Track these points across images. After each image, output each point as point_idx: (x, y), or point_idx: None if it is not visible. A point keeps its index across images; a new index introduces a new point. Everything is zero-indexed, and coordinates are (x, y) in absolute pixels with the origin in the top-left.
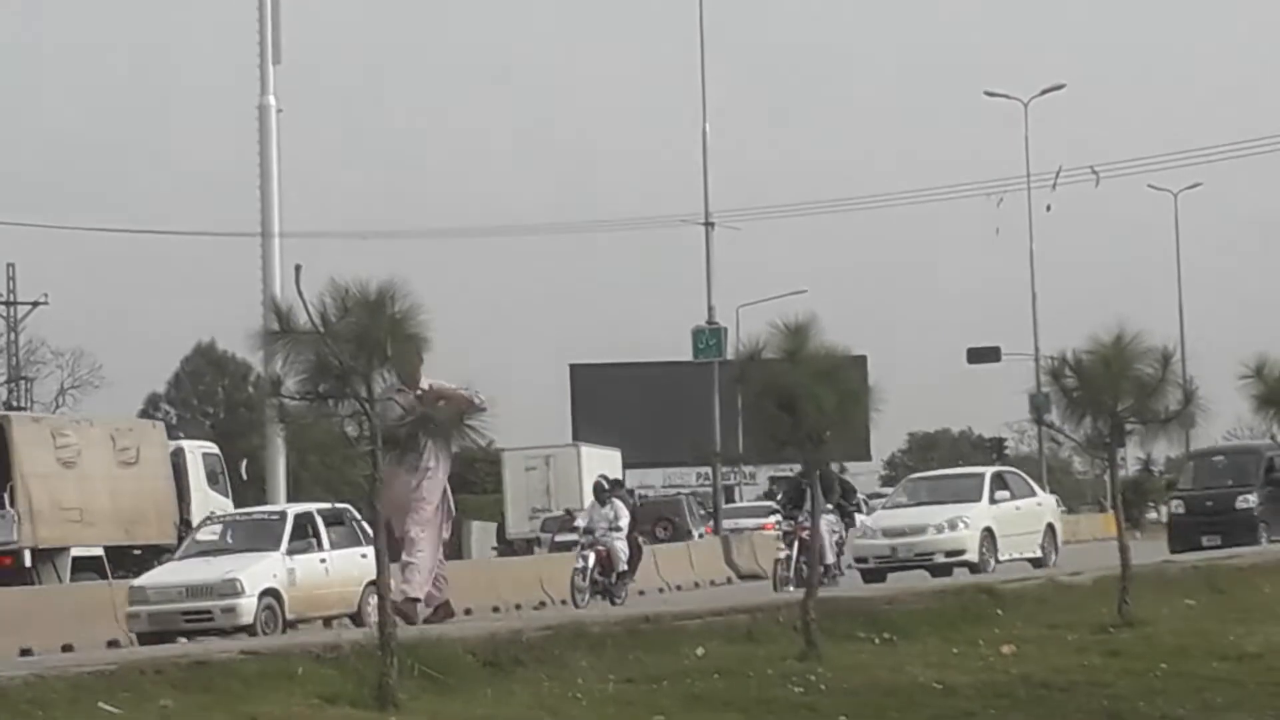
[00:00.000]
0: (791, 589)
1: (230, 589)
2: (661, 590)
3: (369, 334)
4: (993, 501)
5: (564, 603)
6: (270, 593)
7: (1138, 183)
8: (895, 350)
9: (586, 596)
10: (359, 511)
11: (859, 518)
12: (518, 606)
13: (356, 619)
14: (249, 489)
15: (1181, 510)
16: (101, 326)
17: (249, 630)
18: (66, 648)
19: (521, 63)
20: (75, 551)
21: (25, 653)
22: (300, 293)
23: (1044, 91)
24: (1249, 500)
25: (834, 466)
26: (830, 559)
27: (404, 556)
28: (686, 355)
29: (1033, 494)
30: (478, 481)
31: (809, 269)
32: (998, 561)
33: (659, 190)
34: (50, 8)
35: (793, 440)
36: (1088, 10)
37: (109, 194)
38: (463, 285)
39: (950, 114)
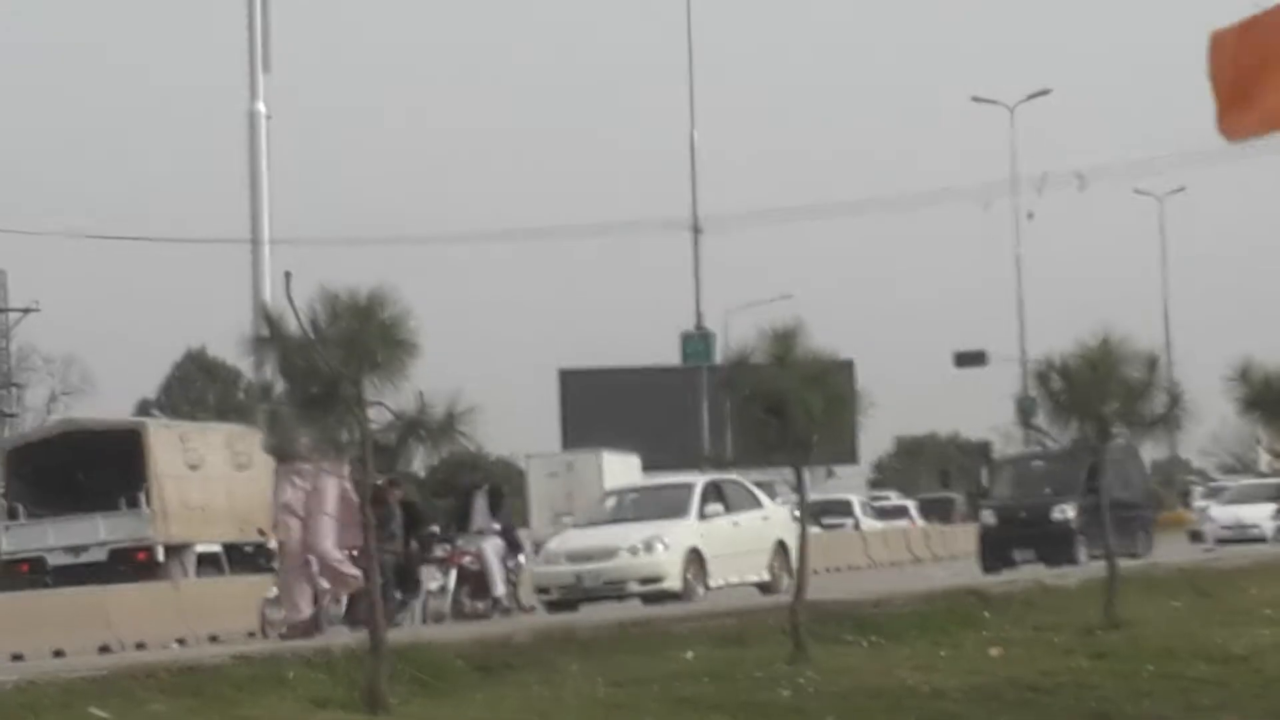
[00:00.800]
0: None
1: (650, 548)
2: None
3: (359, 340)
4: (702, 517)
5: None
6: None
7: (1124, 187)
8: (882, 354)
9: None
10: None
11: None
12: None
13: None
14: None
15: (993, 522)
16: (92, 333)
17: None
18: (58, 653)
19: (511, 67)
20: (199, 548)
21: (16, 658)
22: (290, 299)
23: (1030, 96)
24: (1066, 511)
25: (821, 470)
26: (500, 590)
27: (324, 581)
28: (675, 360)
29: (757, 506)
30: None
31: (797, 274)
32: (707, 589)
33: (647, 195)
34: (38, 14)
35: (781, 445)
36: (1074, 15)
37: (99, 200)
38: (452, 290)
39: (937, 119)
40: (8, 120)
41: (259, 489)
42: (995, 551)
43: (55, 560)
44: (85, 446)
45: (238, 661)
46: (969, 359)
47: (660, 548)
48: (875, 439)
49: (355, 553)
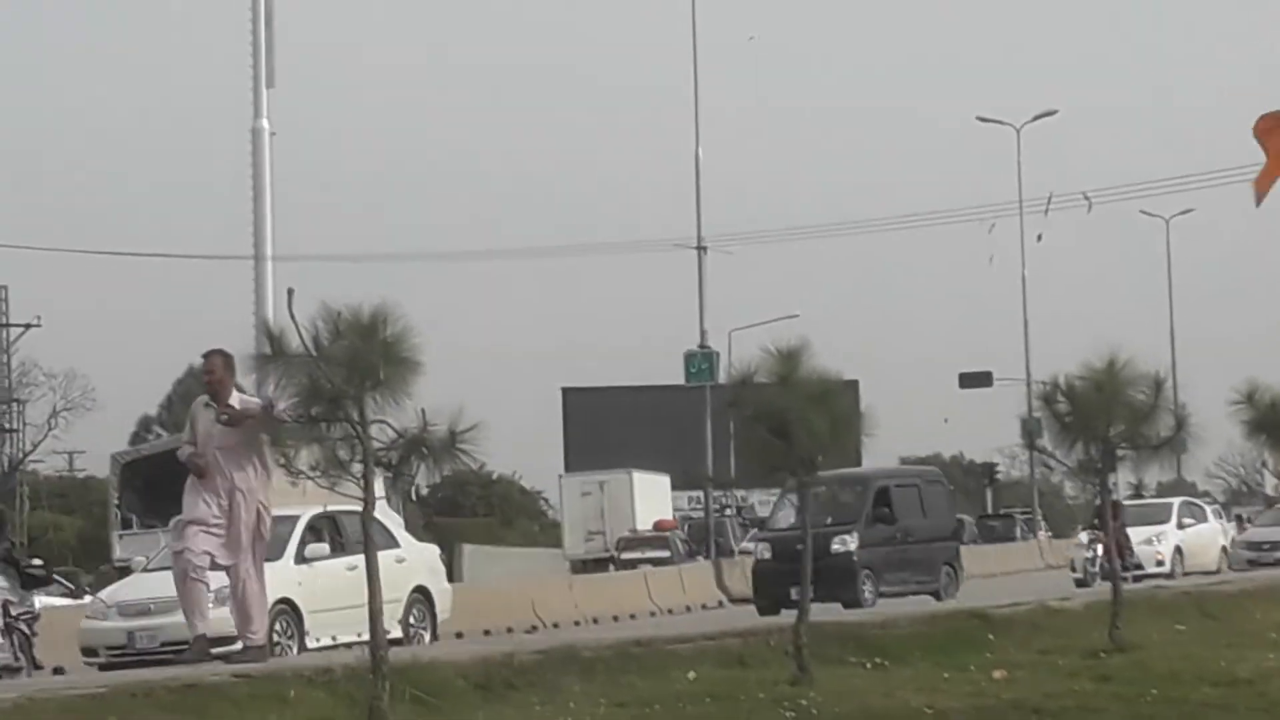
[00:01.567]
0: None
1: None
2: (653, 614)
3: (361, 357)
4: (302, 560)
5: (555, 626)
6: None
7: (1130, 209)
8: (887, 374)
9: None
10: None
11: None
12: (509, 630)
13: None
14: None
15: (767, 555)
16: (94, 349)
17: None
18: (57, 670)
19: (512, 85)
20: None
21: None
22: (293, 316)
23: (1036, 117)
24: (847, 542)
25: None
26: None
27: (231, 595)
28: (679, 379)
29: (393, 544)
30: (468, 505)
31: (801, 293)
32: (304, 648)
33: (652, 214)
34: (41, 30)
35: (785, 464)
36: (1080, 37)
37: (101, 216)
38: (456, 309)
39: (943, 139)
40: (10, 136)
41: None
42: (770, 590)
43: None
44: None
45: (238, 679)
46: (974, 379)
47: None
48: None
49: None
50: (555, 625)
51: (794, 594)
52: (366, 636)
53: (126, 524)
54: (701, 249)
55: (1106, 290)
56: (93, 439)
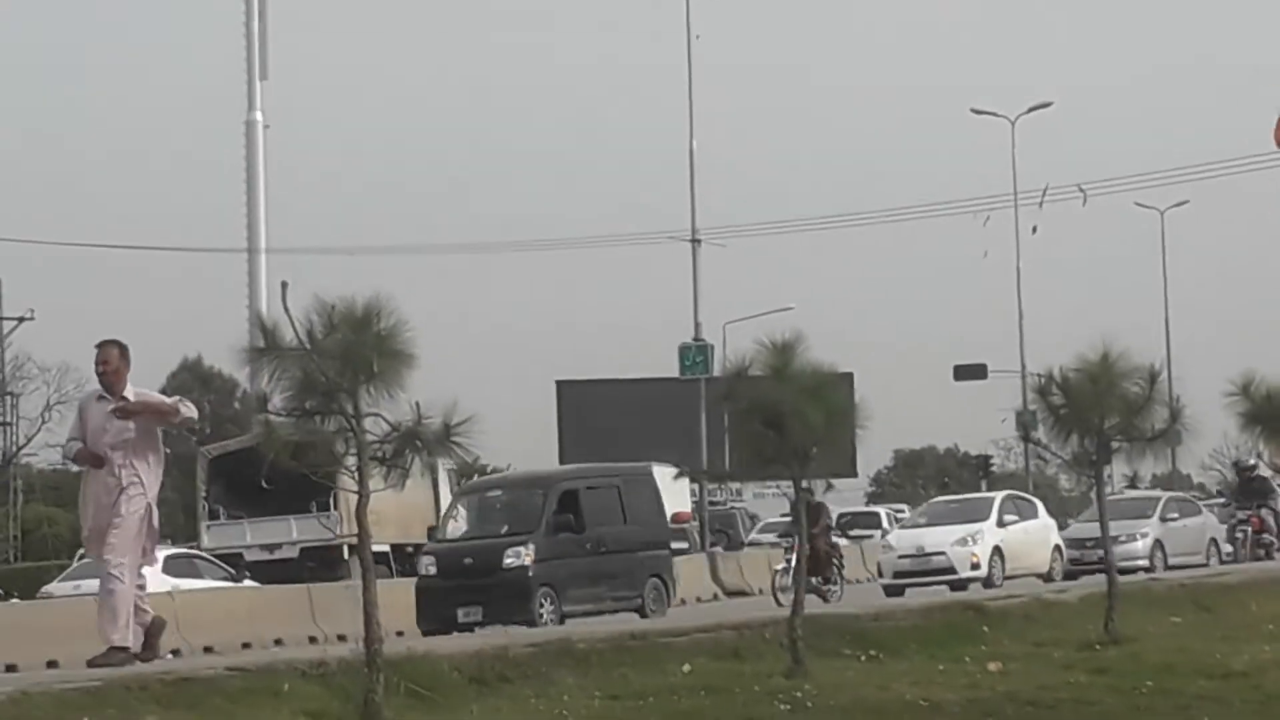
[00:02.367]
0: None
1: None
2: None
3: (355, 351)
4: None
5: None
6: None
7: (1125, 201)
8: (882, 367)
9: None
10: None
11: None
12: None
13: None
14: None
15: (433, 570)
16: (88, 341)
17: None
18: (51, 664)
19: (507, 78)
20: (373, 548)
21: (10, 668)
22: (286, 309)
23: (1031, 109)
24: (521, 555)
25: (820, 484)
26: None
27: (99, 591)
28: (673, 372)
29: None
30: None
31: (796, 286)
32: None
33: (645, 206)
34: (33, 24)
35: (779, 457)
36: (1075, 28)
37: (96, 209)
38: (449, 301)
39: (937, 131)
40: (2, 128)
41: (419, 496)
42: (435, 609)
43: (251, 556)
44: None
45: (232, 673)
46: (969, 372)
47: None
48: (874, 452)
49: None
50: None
51: (462, 615)
52: None
53: (214, 515)
54: (695, 241)
55: (1101, 283)
56: None
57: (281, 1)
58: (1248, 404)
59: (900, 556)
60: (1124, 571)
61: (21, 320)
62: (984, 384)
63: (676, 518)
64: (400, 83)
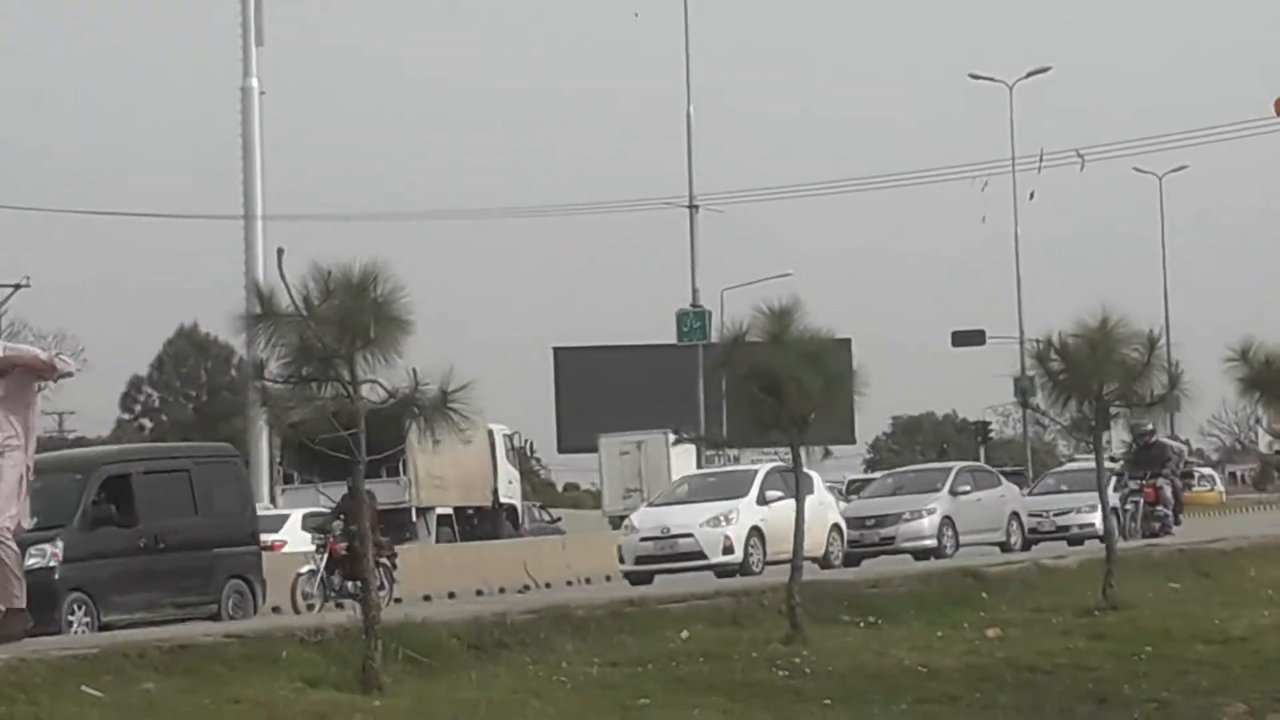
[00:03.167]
0: None
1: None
2: None
3: (352, 317)
4: None
5: (548, 586)
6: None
7: (1123, 166)
8: (879, 333)
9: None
10: None
11: None
12: (501, 590)
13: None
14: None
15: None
16: (84, 309)
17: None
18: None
19: (505, 45)
20: (438, 511)
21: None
22: (283, 275)
23: (1029, 74)
24: (46, 553)
25: (819, 450)
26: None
27: None
28: (671, 338)
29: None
30: None
31: (794, 252)
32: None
33: (643, 172)
34: None
35: (777, 423)
36: None
37: (92, 176)
38: (446, 268)
39: (935, 97)
40: None
41: (477, 461)
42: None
43: None
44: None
45: (230, 640)
46: (967, 338)
47: None
48: (872, 418)
49: None
50: (548, 585)
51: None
52: None
53: (288, 479)
54: (693, 208)
55: (1100, 248)
56: (83, 400)
57: None
58: (1246, 369)
59: (643, 539)
60: (907, 553)
61: (17, 287)
62: (982, 350)
63: None
64: (397, 48)
